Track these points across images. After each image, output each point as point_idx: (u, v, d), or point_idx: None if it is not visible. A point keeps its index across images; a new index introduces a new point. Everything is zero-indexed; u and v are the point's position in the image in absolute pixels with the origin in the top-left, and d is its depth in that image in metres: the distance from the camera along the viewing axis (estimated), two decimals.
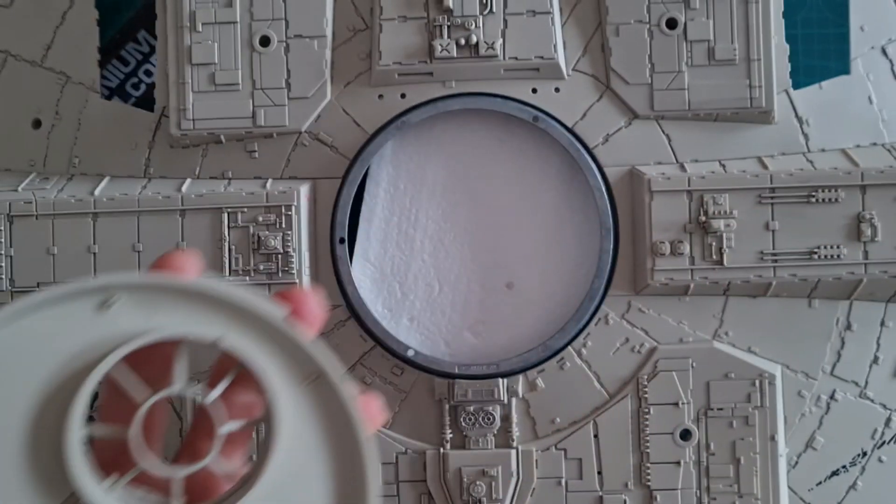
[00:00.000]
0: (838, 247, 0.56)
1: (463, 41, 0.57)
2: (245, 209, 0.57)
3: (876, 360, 0.58)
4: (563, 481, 0.58)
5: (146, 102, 0.62)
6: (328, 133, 0.59)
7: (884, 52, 0.60)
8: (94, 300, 0.30)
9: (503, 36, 0.57)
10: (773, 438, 0.57)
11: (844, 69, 0.60)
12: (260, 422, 0.31)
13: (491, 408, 0.58)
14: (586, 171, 0.58)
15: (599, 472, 0.58)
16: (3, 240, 0.57)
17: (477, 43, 0.57)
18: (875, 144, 0.59)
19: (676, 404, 0.57)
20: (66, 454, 0.28)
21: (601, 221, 0.58)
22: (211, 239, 0.57)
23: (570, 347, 0.58)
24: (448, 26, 0.57)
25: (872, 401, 0.59)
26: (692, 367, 0.57)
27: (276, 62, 0.58)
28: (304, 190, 0.58)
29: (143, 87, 0.65)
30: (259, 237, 0.57)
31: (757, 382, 0.57)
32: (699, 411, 0.57)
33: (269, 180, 0.59)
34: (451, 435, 0.58)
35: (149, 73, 0.65)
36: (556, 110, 0.58)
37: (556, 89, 0.58)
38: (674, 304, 0.58)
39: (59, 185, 0.59)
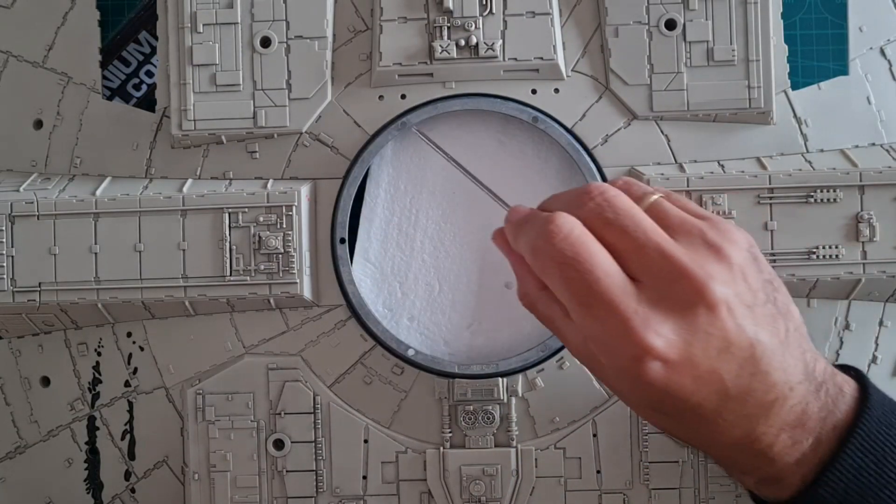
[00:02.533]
0: (837, 247, 0.56)
1: (463, 42, 0.57)
2: (246, 209, 0.57)
3: (874, 359, 0.59)
4: (563, 480, 0.58)
5: (147, 103, 0.62)
6: (329, 134, 0.59)
7: (882, 52, 0.60)
8: None
9: (503, 37, 0.58)
10: None
11: (843, 70, 0.60)
12: None
13: (490, 407, 0.58)
14: (586, 171, 0.58)
15: (598, 472, 0.58)
16: (4, 240, 0.58)
17: (477, 44, 0.57)
18: (874, 145, 0.59)
19: None
20: None
21: None
22: (212, 239, 0.57)
23: None
24: (448, 27, 0.58)
25: None
26: None
27: (277, 63, 0.58)
28: (304, 190, 0.58)
29: (144, 87, 0.65)
30: (260, 237, 0.57)
31: None
32: None
33: (270, 181, 0.59)
34: (450, 434, 0.58)
35: (150, 74, 0.65)
36: (555, 111, 0.59)
37: (556, 90, 0.59)
38: None
39: (61, 185, 0.60)
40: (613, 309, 0.42)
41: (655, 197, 0.46)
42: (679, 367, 0.42)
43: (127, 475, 0.61)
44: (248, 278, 0.57)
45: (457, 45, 0.58)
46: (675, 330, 0.42)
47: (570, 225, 0.43)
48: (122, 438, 0.61)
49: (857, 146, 0.59)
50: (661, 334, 0.41)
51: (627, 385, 0.43)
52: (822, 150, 0.59)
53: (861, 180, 0.56)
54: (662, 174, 0.57)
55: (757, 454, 0.45)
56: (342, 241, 0.59)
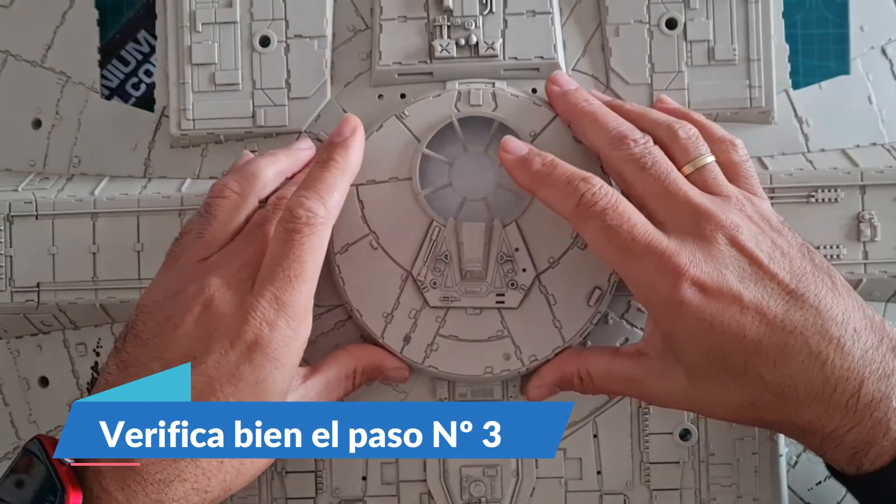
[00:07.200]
0: (838, 247, 0.56)
1: (463, 41, 0.57)
2: None
3: None
4: (563, 481, 0.58)
5: (146, 102, 0.62)
6: (328, 133, 0.59)
7: (883, 52, 0.60)
8: None
9: (503, 36, 0.58)
10: (772, 438, 0.57)
11: (844, 69, 0.60)
12: None
13: None
14: None
15: (599, 472, 0.58)
16: (3, 240, 0.57)
17: (477, 43, 0.57)
18: (875, 144, 0.59)
19: None
20: None
21: None
22: None
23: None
24: (448, 26, 0.57)
25: None
26: None
27: (277, 62, 0.58)
28: None
29: (143, 87, 0.65)
30: None
31: None
32: None
33: None
34: None
35: (149, 73, 0.65)
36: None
37: None
38: None
39: (59, 185, 0.59)
40: (651, 248, 0.46)
41: (708, 162, 0.51)
42: (716, 294, 0.46)
43: None
44: None
45: (457, 44, 0.57)
46: (704, 258, 0.46)
47: (606, 189, 0.48)
48: None
49: (858, 146, 0.59)
50: (693, 260, 0.46)
51: (671, 317, 0.46)
52: (823, 150, 0.59)
53: (862, 180, 0.56)
54: None
55: (842, 409, 0.45)
56: None
